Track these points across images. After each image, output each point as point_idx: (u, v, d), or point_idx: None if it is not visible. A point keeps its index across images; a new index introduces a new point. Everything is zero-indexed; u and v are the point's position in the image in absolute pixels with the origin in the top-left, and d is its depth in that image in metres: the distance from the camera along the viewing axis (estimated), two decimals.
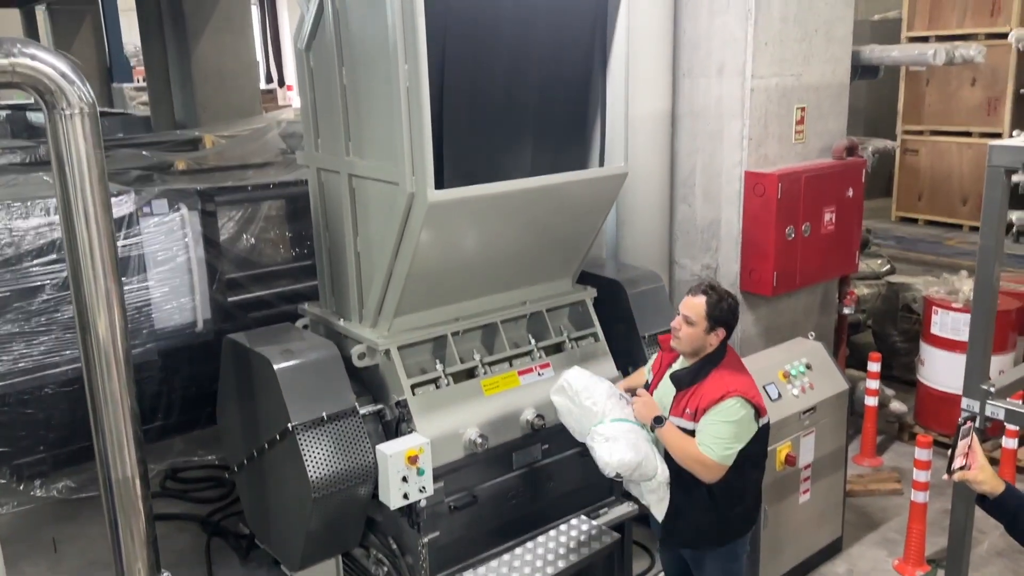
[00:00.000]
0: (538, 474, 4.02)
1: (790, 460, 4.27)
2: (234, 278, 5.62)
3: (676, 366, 3.46)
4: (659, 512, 3.41)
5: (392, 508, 3.52)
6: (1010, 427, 4.83)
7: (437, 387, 3.77)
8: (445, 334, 3.86)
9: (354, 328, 3.89)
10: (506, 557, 3.83)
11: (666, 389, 3.45)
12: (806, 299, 5.43)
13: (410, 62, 3.21)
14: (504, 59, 3.58)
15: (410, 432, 3.62)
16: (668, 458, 3.37)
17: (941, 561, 4.48)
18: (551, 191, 3.78)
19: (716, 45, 4.91)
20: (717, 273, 5.17)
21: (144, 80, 14.13)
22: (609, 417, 3.42)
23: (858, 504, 5.30)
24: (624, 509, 4.26)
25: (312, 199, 4.11)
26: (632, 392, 3.59)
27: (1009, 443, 5.13)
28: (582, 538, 3.91)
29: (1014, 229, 9.03)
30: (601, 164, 4.01)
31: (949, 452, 2.75)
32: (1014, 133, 4.01)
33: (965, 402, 3.77)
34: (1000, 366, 5.35)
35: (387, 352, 3.71)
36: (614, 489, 4.29)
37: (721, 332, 3.33)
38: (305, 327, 4.20)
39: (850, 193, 5.27)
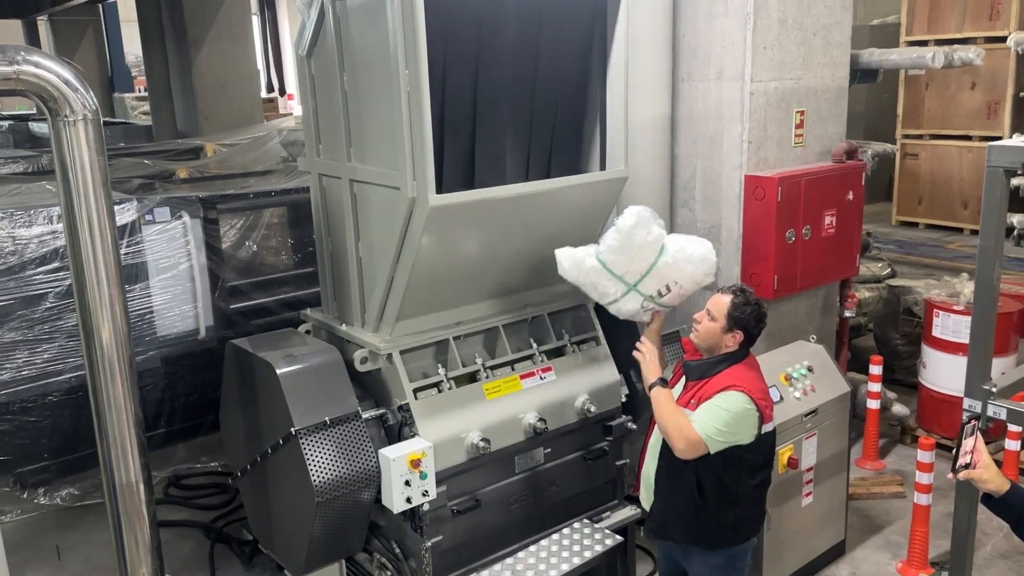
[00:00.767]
0: (540, 478, 4.02)
1: (792, 463, 4.27)
2: (236, 285, 5.65)
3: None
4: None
5: (395, 512, 3.52)
6: (1013, 428, 4.84)
7: (439, 391, 3.77)
8: (447, 338, 3.87)
9: (356, 333, 3.90)
10: (509, 561, 3.83)
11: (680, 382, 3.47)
12: (807, 302, 5.44)
13: (411, 67, 3.22)
14: (505, 64, 3.60)
15: (412, 436, 3.63)
16: (663, 455, 3.36)
17: (945, 564, 4.48)
18: (552, 195, 3.79)
19: (715, 49, 4.92)
20: (718, 277, 5.16)
21: (145, 90, 14.19)
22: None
23: (861, 507, 5.30)
24: (627, 513, 4.26)
25: (314, 204, 4.13)
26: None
27: (1012, 445, 5.13)
28: (585, 542, 3.91)
29: (1015, 232, 9.04)
30: (603, 168, 4.03)
31: (953, 451, 2.75)
32: (1014, 137, 4.02)
33: (967, 403, 3.77)
34: (1001, 368, 5.34)
35: (389, 356, 3.72)
36: (616, 493, 4.30)
37: (739, 335, 3.32)
38: (307, 332, 4.21)
39: (850, 196, 5.28)
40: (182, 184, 6.74)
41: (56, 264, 4.87)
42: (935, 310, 5.83)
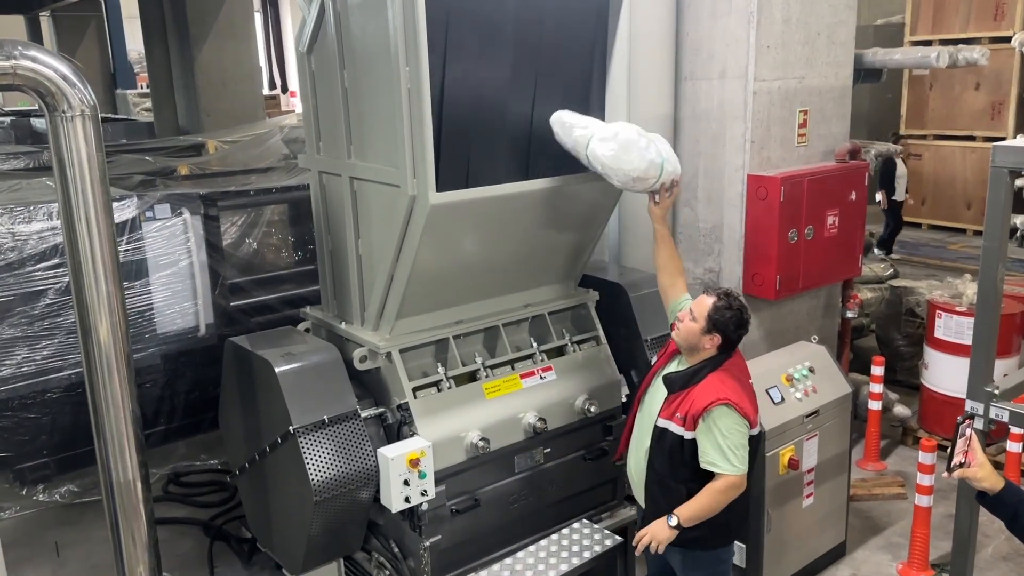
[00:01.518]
0: (540, 477, 4.01)
1: (793, 464, 4.26)
2: (236, 282, 5.64)
3: (671, 367, 3.44)
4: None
5: (394, 511, 3.51)
6: (1014, 431, 4.81)
7: (439, 390, 3.76)
8: (447, 337, 3.86)
9: (356, 331, 3.89)
10: (508, 561, 3.81)
11: (658, 389, 3.43)
12: (809, 303, 5.42)
13: (411, 64, 3.21)
14: (506, 61, 3.58)
15: (412, 435, 3.62)
16: (651, 465, 3.34)
17: (946, 566, 4.46)
18: (553, 193, 3.78)
19: (718, 48, 4.90)
20: (720, 277, 5.16)
21: (147, 86, 14.20)
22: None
23: (862, 508, 5.28)
24: (626, 513, 4.25)
25: (314, 202, 4.11)
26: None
27: (1014, 447, 5.11)
28: (584, 542, 3.90)
29: (1018, 233, 9.03)
30: None
31: (948, 451, 2.77)
32: (1018, 137, 4.00)
33: (969, 404, 3.76)
34: (1004, 370, 5.32)
35: (388, 355, 3.71)
36: (616, 493, 4.28)
37: (716, 338, 3.29)
38: (307, 330, 4.19)
39: (853, 196, 5.26)
40: (183, 181, 6.74)
41: (56, 260, 4.85)
42: (937, 311, 5.81)
